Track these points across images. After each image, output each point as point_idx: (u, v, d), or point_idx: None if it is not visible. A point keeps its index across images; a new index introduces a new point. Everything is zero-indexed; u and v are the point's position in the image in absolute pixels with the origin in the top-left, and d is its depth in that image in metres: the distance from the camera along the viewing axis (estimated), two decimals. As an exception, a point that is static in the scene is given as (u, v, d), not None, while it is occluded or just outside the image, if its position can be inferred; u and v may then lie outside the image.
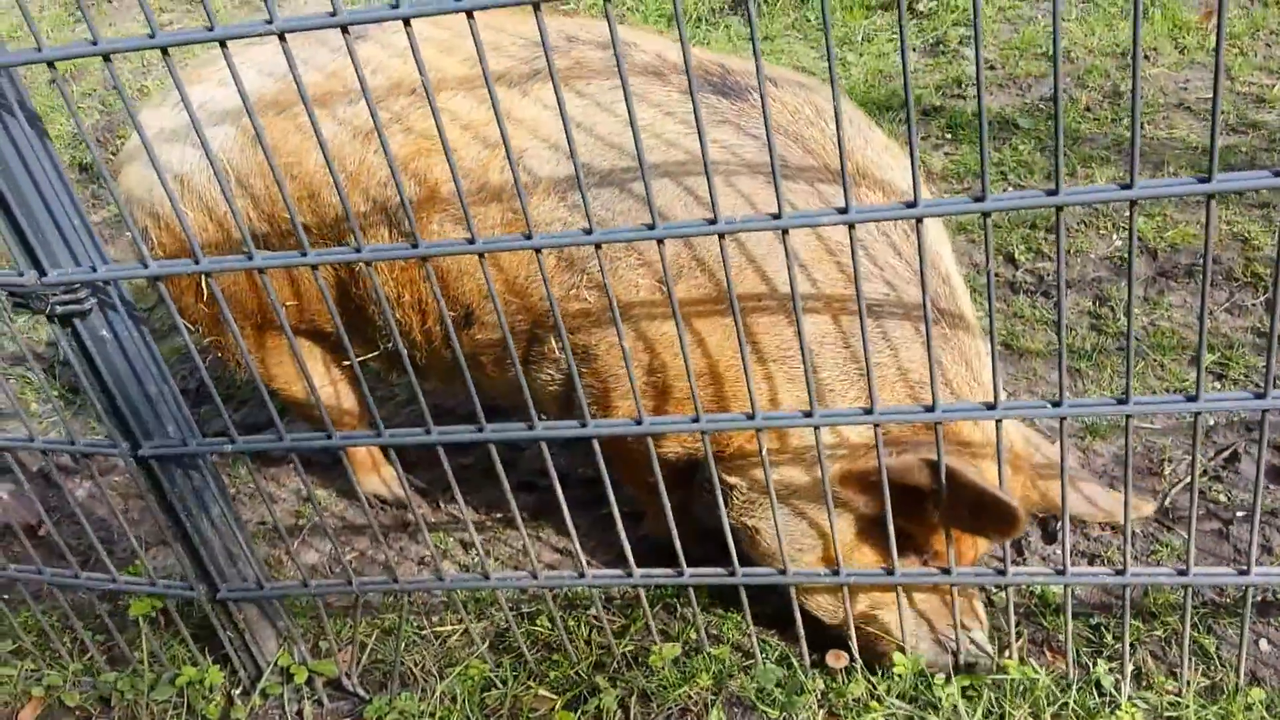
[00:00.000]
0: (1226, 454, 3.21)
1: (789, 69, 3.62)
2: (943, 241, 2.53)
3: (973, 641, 2.52)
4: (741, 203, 2.30)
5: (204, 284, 2.77)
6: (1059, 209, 1.71)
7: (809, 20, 6.24)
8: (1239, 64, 5.05)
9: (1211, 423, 3.32)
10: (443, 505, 3.50)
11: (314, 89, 2.57)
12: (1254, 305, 3.71)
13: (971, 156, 4.71)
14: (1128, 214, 1.72)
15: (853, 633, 2.56)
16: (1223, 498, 3.09)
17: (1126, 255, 1.82)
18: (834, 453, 2.36)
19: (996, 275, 4.04)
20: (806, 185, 2.32)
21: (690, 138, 2.35)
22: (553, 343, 2.52)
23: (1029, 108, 5.05)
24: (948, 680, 2.52)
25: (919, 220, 1.78)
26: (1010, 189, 4.52)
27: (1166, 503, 3.10)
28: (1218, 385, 3.45)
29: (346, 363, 3.00)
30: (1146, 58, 5.29)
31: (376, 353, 2.87)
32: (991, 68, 5.48)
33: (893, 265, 2.34)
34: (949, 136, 4.97)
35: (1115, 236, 4.16)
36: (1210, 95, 4.81)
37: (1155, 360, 3.55)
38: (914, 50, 5.80)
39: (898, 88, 5.39)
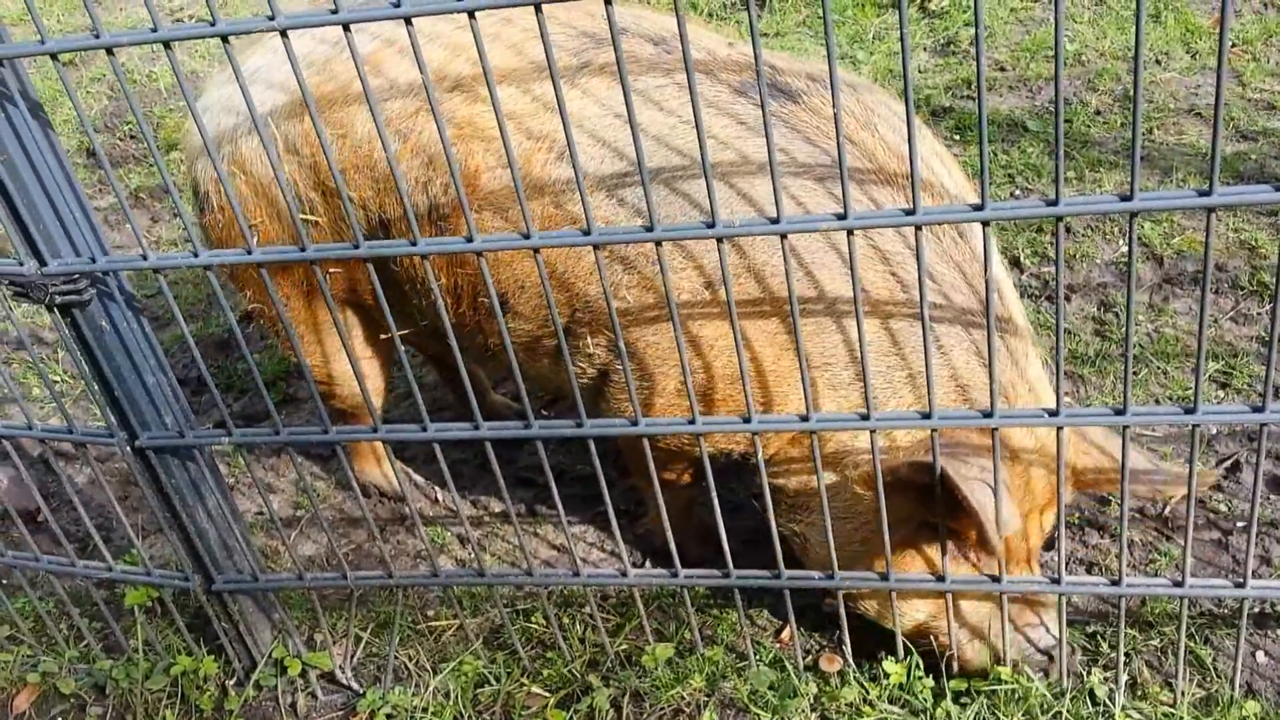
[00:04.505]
0: (1228, 464, 3.20)
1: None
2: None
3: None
4: (790, 205, 2.26)
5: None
6: (1059, 219, 1.71)
7: (820, 17, 6.21)
8: (1251, 70, 5.02)
9: (1214, 431, 3.30)
10: (441, 499, 3.50)
11: (349, 78, 2.53)
12: (1259, 314, 3.69)
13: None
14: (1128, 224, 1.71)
15: (899, 637, 2.53)
16: (1223, 507, 3.08)
17: (1130, 265, 1.81)
18: (883, 457, 2.33)
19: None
20: (826, 190, 2.30)
21: (741, 139, 2.32)
22: (588, 338, 2.49)
23: (1038, 110, 5.02)
24: (937, 682, 2.52)
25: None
26: (1018, 192, 4.50)
27: (1166, 511, 3.09)
28: (1221, 394, 3.43)
29: (385, 336, 2.95)
30: (1158, 62, 5.26)
31: (409, 330, 2.81)
32: (1002, 69, 5.45)
33: (939, 270, 2.33)
34: (958, 137, 4.95)
35: (1120, 242, 4.14)
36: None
37: (1159, 368, 3.53)
38: (924, 50, 5.78)
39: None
